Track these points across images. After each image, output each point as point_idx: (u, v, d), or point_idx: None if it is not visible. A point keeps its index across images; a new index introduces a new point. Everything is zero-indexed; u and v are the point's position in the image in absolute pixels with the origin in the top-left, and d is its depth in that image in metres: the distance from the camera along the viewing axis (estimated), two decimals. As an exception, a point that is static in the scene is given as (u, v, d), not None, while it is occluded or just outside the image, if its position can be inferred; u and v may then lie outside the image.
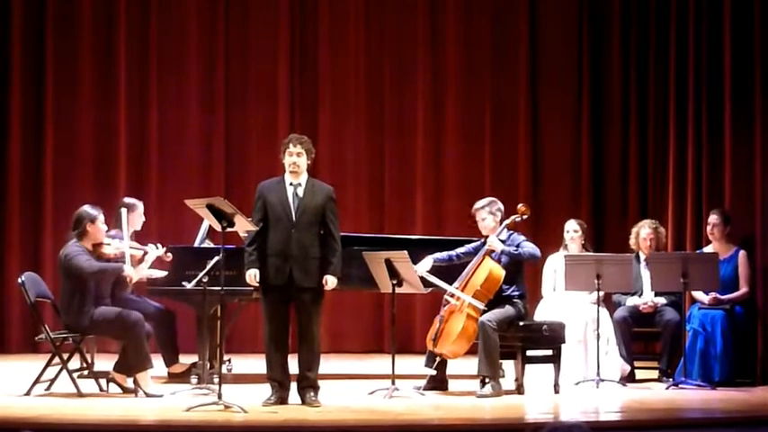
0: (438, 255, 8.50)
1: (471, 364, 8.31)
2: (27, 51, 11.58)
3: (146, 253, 8.39)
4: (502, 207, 8.55)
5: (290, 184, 7.73)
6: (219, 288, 7.68)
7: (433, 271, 8.42)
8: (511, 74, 11.77)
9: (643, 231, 9.39)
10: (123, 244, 8.18)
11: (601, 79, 11.57)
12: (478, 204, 8.57)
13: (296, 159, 7.72)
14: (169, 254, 8.54)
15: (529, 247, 8.37)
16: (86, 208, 8.23)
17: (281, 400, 7.63)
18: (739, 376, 8.82)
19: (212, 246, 8.79)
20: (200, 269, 7.90)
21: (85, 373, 8.37)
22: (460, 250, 8.56)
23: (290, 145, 7.74)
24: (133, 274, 8.16)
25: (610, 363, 8.92)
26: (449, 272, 8.49)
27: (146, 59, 11.70)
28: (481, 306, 8.21)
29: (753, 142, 9.20)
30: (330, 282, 7.68)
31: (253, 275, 7.62)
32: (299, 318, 7.69)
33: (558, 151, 11.69)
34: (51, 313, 8.61)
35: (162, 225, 11.13)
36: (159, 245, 8.45)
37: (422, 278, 8.26)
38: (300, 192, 7.71)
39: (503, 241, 8.41)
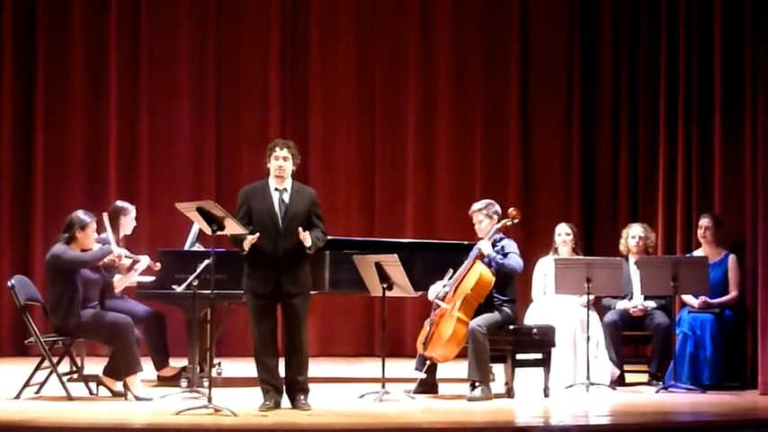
0: (447, 281, 8.44)
1: (461, 368, 8.31)
2: (18, 55, 11.55)
3: (136, 261, 8.40)
4: (499, 209, 8.53)
5: (275, 189, 7.62)
6: (209, 291, 7.66)
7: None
8: (502, 78, 11.78)
9: (632, 234, 9.40)
10: (113, 249, 8.16)
11: (591, 83, 11.59)
12: (475, 207, 8.56)
13: (282, 163, 7.59)
14: (158, 263, 8.55)
15: (513, 260, 8.34)
16: (79, 214, 8.19)
17: (277, 404, 7.57)
18: (729, 380, 8.84)
19: (202, 249, 8.78)
20: (190, 272, 7.89)
21: (75, 376, 8.36)
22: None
23: (277, 149, 7.61)
24: (121, 252, 8.14)
25: (600, 366, 8.92)
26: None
27: (136, 63, 11.68)
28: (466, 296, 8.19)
29: (742, 146, 9.20)
30: (306, 235, 7.44)
31: (250, 239, 7.40)
32: (287, 322, 7.64)
33: (548, 155, 11.69)
34: (41, 316, 8.58)
35: (152, 228, 11.12)
36: (148, 257, 8.50)
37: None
38: (287, 197, 7.60)
39: (494, 245, 8.41)
